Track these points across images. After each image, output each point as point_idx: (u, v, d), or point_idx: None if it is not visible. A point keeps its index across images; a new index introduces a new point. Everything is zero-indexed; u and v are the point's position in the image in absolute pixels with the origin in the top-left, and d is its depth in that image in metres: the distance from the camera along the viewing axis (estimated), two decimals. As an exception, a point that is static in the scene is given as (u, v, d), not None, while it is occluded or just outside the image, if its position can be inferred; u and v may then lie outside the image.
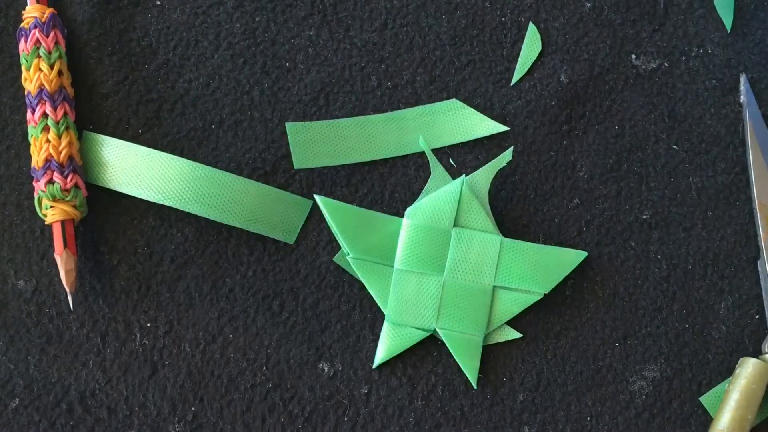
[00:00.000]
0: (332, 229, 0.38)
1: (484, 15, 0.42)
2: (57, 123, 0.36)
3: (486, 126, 0.40)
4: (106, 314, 0.37)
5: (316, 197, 0.38)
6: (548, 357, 0.39)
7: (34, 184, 0.36)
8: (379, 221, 0.38)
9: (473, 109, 0.41)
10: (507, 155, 0.39)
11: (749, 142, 0.41)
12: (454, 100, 0.41)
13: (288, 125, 0.39)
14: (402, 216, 0.39)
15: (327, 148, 0.39)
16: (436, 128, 0.40)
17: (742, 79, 0.42)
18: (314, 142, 0.39)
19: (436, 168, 0.39)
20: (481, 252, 0.38)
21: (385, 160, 0.40)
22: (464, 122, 0.40)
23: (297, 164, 0.39)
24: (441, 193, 0.38)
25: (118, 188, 0.37)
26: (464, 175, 0.39)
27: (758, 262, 0.41)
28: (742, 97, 0.42)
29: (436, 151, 0.40)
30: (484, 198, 0.39)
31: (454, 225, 0.38)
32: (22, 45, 0.37)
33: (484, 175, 0.39)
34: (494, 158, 0.40)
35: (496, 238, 0.38)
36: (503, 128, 0.40)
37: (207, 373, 0.37)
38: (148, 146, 0.38)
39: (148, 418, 0.37)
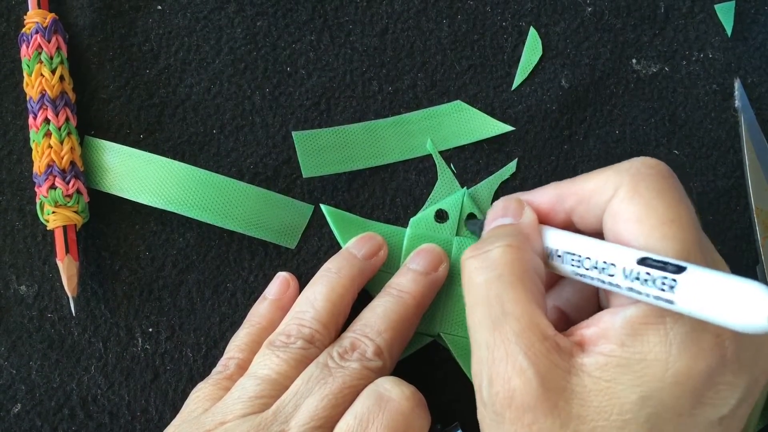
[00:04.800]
0: (336, 238, 0.38)
1: (484, 19, 0.42)
2: (59, 128, 0.36)
3: (491, 126, 0.40)
4: (108, 319, 0.37)
5: (322, 206, 0.38)
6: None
7: (36, 189, 0.36)
8: (383, 231, 0.38)
9: (477, 110, 0.41)
10: (510, 167, 0.39)
11: (745, 147, 0.42)
12: (458, 101, 0.41)
13: (295, 134, 0.39)
14: (404, 222, 0.39)
15: (335, 155, 0.39)
16: (441, 130, 0.40)
17: (737, 83, 0.43)
18: (322, 150, 0.39)
19: (444, 173, 0.39)
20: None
21: (387, 164, 0.40)
22: (469, 123, 0.40)
23: (306, 173, 0.39)
24: (443, 205, 0.39)
25: (119, 193, 0.37)
26: (466, 188, 0.39)
27: (757, 267, 0.41)
28: (737, 102, 0.42)
29: (441, 155, 0.40)
30: (486, 209, 0.39)
31: (456, 235, 0.38)
32: (23, 50, 0.37)
33: (486, 187, 0.39)
34: (495, 162, 0.40)
35: None
36: (508, 128, 0.40)
37: (209, 378, 0.37)
38: (150, 151, 0.38)
39: (150, 423, 0.37)
